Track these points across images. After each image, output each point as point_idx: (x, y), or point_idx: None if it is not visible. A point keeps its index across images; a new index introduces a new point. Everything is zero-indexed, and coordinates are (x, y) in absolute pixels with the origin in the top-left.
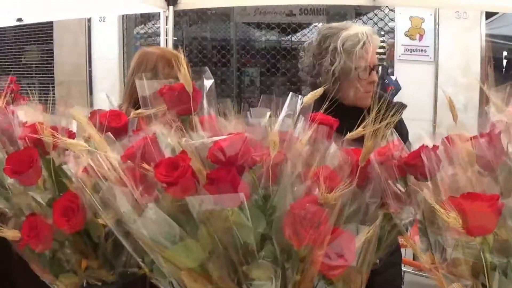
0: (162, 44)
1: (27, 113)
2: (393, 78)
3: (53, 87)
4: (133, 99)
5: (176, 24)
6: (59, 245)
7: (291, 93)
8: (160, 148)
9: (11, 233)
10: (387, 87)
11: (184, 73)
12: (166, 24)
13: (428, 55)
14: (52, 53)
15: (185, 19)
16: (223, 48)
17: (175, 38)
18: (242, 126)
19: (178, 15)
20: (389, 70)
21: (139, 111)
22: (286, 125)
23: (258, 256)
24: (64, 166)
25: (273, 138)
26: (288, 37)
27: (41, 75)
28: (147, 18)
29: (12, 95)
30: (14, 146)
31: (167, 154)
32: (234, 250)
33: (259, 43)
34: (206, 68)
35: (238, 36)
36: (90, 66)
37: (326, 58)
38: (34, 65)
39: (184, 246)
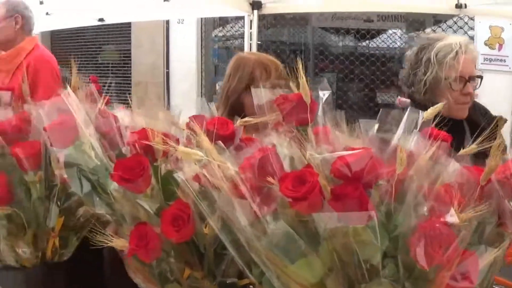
0: (246, 48)
1: (126, 116)
2: None
3: (130, 87)
4: (229, 104)
5: None
6: (165, 255)
7: (409, 107)
8: (280, 161)
9: (120, 243)
10: None
11: (302, 83)
12: (250, 28)
13: (507, 65)
14: (130, 53)
15: (263, 23)
16: (301, 52)
17: (259, 42)
18: (360, 140)
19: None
20: None
21: (246, 119)
22: (404, 140)
23: (381, 274)
24: (175, 174)
25: (401, 155)
26: (365, 43)
27: (117, 75)
28: (225, 20)
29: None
30: (114, 150)
31: (285, 166)
32: (355, 268)
33: (335, 48)
34: (324, 78)
35: (315, 40)
36: (167, 67)
37: (420, 69)
38: (110, 65)
39: (306, 262)
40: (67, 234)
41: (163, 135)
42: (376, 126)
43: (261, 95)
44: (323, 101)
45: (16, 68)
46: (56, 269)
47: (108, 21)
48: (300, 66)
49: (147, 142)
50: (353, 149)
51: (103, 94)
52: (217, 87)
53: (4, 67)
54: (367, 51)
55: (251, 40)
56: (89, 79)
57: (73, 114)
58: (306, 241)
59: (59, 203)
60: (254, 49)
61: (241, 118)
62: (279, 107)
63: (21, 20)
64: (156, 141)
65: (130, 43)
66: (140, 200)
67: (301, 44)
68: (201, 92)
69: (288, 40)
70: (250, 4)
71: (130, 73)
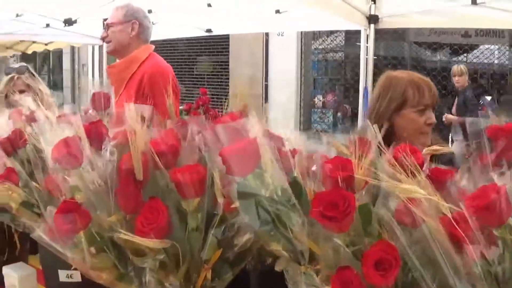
0: (363, 62)
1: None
2: (488, 98)
3: (226, 99)
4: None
5: (348, 40)
6: None
7: None
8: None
9: None
10: (482, 107)
11: None
12: (367, 43)
13: None
14: (227, 65)
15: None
16: (402, 67)
17: (375, 57)
18: None
19: (355, 32)
20: None
21: (434, 148)
22: None
23: None
24: (382, 211)
25: None
26: (460, 58)
27: (214, 87)
28: (325, 33)
29: (204, 107)
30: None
31: None
32: None
33: (430, 63)
34: None
35: (411, 55)
36: (266, 79)
37: None
38: (206, 76)
39: None
40: (221, 266)
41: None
42: None
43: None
44: None
45: (129, 78)
46: None
47: (216, 32)
48: None
49: (349, 174)
50: None
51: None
52: (316, 100)
53: (117, 76)
54: None
55: (367, 54)
56: (200, 92)
57: (256, 138)
58: None
59: (217, 233)
60: (371, 64)
61: (392, 141)
62: (495, 139)
63: (137, 27)
64: (360, 173)
65: (228, 55)
66: (338, 240)
67: (397, 58)
68: (300, 105)
69: (384, 54)
70: (367, 18)
71: (228, 85)
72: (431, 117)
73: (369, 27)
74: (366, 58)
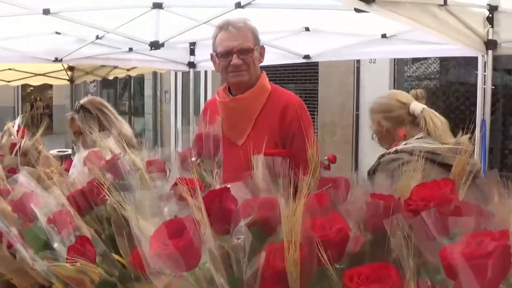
0: (480, 93)
1: None
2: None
3: (315, 129)
4: None
5: (443, 67)
6: None
7: None
8: None
9: None
10: None
11: None
12: (485, 71)
13: None
14: (315, 92)
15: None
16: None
17: (493, 87)
18: None
19: (450, 59)
20: None
21: None
22: None
23: None
24: None
25: None
26: None
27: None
28: (418, 59)
29: None
30: None
31: None
32: None
33: None
34: None
35: None
36: (357, 109)
37: None
38: None
39: None
40: None
41: None
42: None
43: None
44: None
45: (259, 113)
46: None
47: (315, 59)
48: None
49: None
50: None
51: None
52: None
53: (243, 111)
54: None
55: (485, 84)
56: None
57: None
58: None
59: None
60: (489, 94)
61: None
62: None
63: (263, 53)
64: None
65: (317, 82)
66: None
67: (508, 87)
68: None
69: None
70: (485, 43)
71: (316, 113)
72: None
73: (487, 53)
74: (484, 88)
